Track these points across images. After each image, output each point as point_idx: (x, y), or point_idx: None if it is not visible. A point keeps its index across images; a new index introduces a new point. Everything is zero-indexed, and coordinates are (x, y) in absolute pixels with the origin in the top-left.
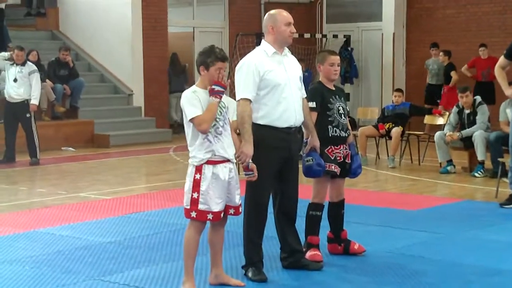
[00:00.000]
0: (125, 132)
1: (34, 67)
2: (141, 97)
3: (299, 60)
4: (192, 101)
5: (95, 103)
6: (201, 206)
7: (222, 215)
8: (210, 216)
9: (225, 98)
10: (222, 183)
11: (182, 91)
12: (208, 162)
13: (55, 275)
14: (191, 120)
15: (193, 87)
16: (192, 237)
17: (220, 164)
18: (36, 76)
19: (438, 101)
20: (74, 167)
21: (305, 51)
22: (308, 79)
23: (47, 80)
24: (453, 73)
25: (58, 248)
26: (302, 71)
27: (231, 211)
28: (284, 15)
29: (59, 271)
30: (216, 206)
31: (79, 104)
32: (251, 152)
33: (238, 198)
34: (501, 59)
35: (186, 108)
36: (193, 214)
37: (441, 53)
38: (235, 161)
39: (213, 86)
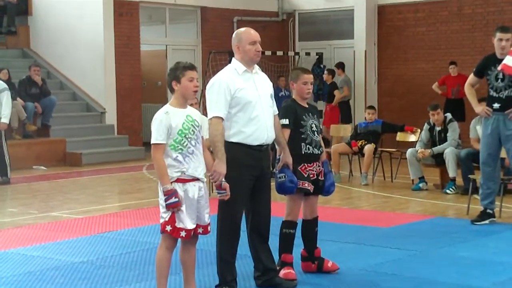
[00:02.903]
0: (97, 151)
1: (4, 85)
2: (114, 115)
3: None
4: (160, 126)
5: (67, 121)
6: (178, 223)
7: (192, 233)
8: (183, 234)
9: (199, 116)
10: (191, 201)
11: None
12: (178, 180)
13: None
14: (152, 143)
15: (166, 107)
16: (164, 256)
17: (190, 183)
18: (7, 95)
19: (321, 119)
20: (46, 186)
21: (278, 68)
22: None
23: (18, 99)
24: (336, 92)
25: (29, 268)
26: (283, 89)
27: (200, 230)
28: (248, 34)
29: None
30: (190, 224)
31: (51, 122)
32: (224, 171)
33: (207, 217)
34: (471, 77)
35: (153, 130)
36: (168, 228)
37: (325, 72)
38: (205, 180)
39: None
